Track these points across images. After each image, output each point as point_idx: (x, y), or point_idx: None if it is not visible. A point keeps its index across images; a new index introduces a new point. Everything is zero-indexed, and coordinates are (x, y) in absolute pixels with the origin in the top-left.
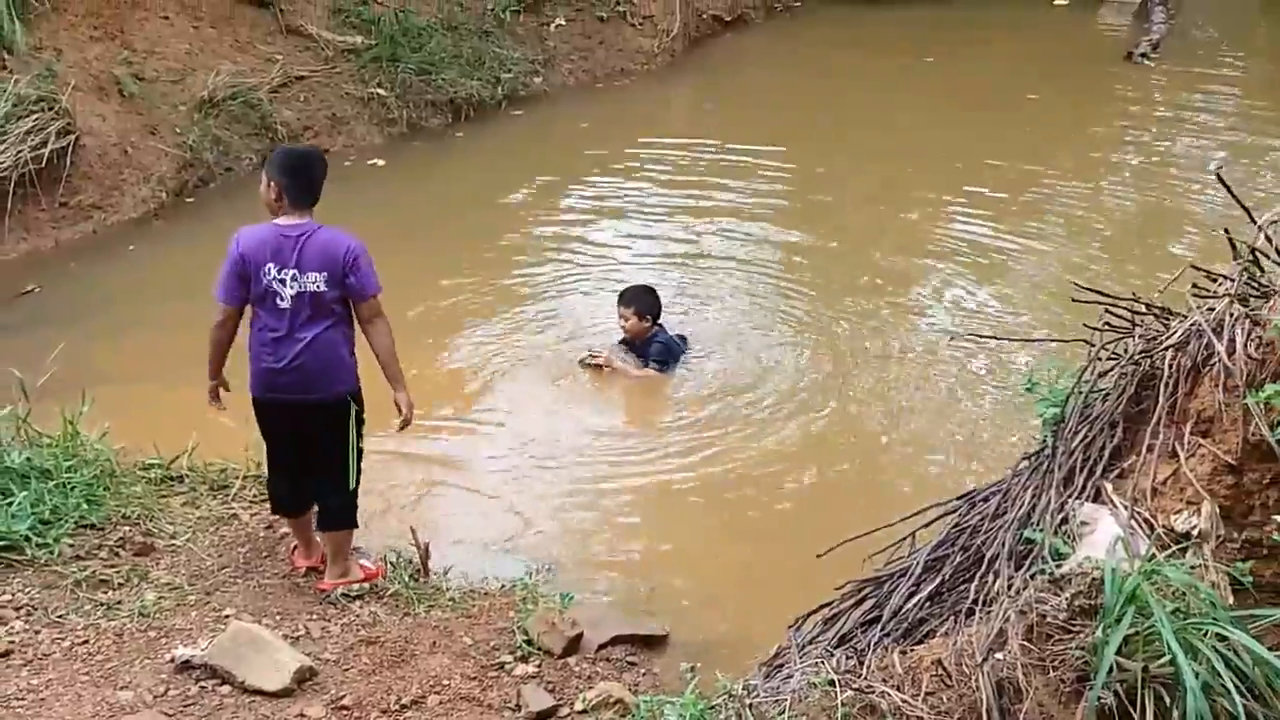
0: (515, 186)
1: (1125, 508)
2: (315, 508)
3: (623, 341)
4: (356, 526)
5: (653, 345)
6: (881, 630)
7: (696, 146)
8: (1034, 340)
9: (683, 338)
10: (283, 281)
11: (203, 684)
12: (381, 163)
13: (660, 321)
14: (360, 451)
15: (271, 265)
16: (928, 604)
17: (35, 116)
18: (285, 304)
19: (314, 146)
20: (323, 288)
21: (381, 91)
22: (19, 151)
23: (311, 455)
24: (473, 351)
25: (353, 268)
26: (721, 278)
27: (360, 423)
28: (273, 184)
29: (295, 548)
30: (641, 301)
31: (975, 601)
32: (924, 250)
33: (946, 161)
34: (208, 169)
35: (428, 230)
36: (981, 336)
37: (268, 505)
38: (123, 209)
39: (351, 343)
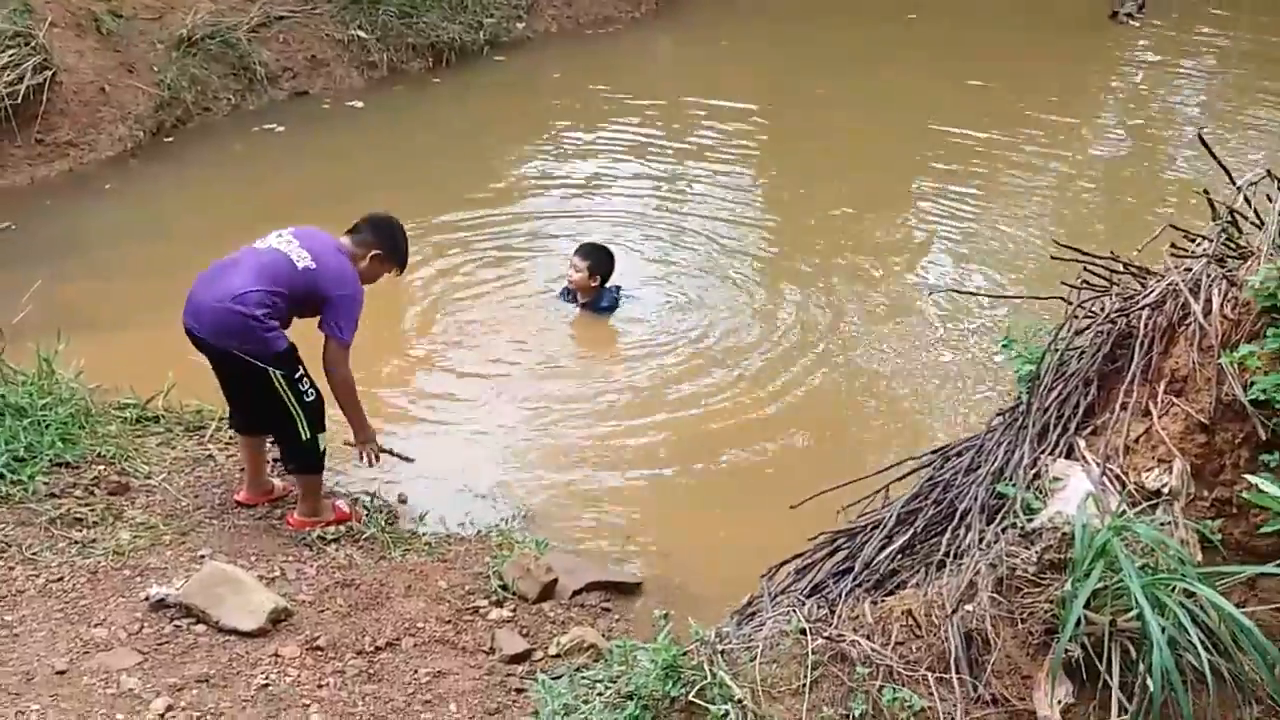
0: (494, 133)
1: (1097, 464)
2: (268, 436)
3: (565, 290)
4: (319, 471)
5: (605, 299)
6: (853, 581)
7: (678, 97)
8: (1012, 297)
9: (618, 288)
10: (279, 234)
11: (177, 623)
12: (360, 105)
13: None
14: (308, 405)
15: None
16: (900, 556)
17: (11, 52)
18: (256, 243)
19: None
20: (297, 263)
21: (362, 34)
22: None
23: (252, 402)
24: (447, 298)
25: (337, 298)
26: (698, 233)
27: (296, 381)
28: None
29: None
30: (599, 261)
31: (946, 554)
32: (902, 208)
33: (927, 120)
34: (185, 109)
35: (404, 174)
36: (959, 291)
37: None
38: (99, 147)
39: (278, 327)
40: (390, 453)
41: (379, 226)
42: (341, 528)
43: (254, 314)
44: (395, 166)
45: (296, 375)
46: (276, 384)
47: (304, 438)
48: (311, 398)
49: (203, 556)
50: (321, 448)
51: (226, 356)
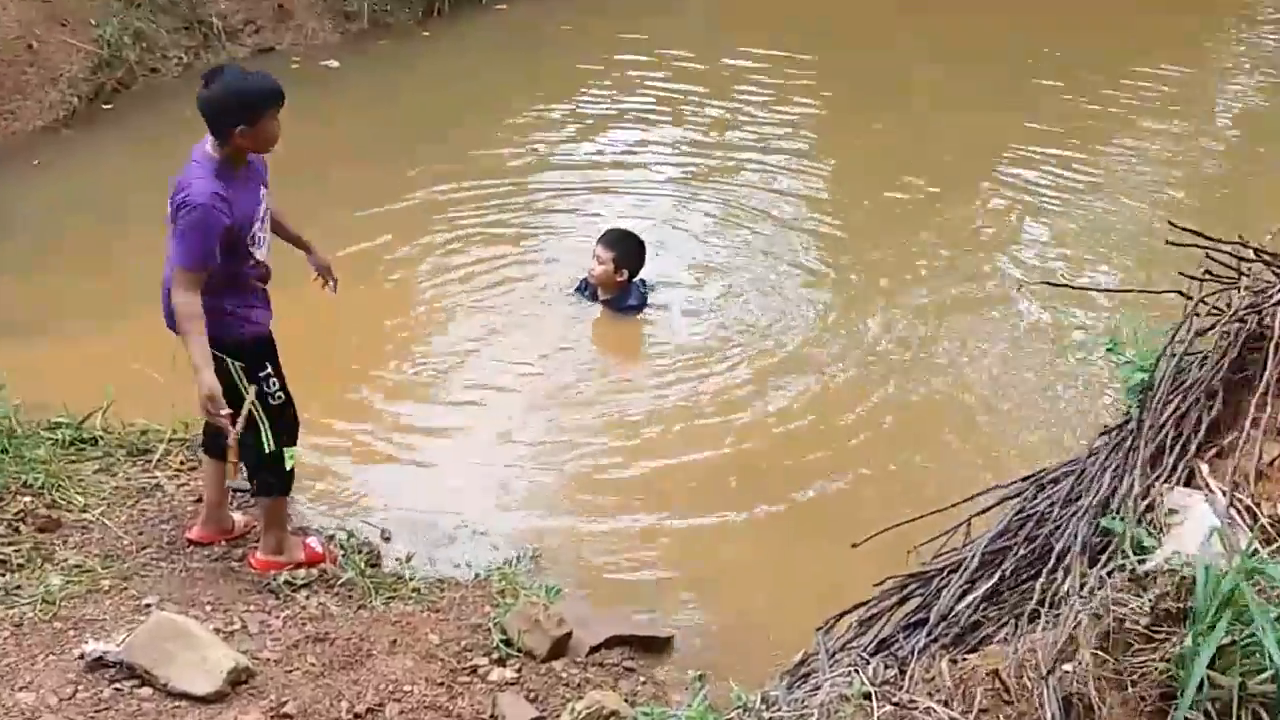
0: (495, 95)
1: (1223, 493)
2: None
3: (583, 284)
4: (279, 495)
5: (631, 296)
6: (928, 635)
7: (717, 48)
8: (1119, 290)
9: (643, 282)
10: None
11: (118, 685)
12: (336, 64)
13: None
14: (273, 410)
15: None
16: (984, 605)
17: None
18: None
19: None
20: (170, 219)
21: None
22: None
23: None
24: (442, 296)
25: (175, 217)
26: (741, 215)
27: (256, 379)
28: None
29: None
30: (626, 251)
31: (1041, 602)
32: (988, 183)
33: (1020, 82)
34: (128, 69)
35: (388, 145)
36: (1056, 284)
37: (195, 471)
38: (25, 116)
39: (221, 292)
40: (231, 435)
41: (214, 99)
42: (313, 570)
43: None
44: (377, 136)
45: (262, 372)
46: (235, 377)
47: (267, 449)
48: (279, 401)
49: (148, 606)
50: (288, 465)
51: None
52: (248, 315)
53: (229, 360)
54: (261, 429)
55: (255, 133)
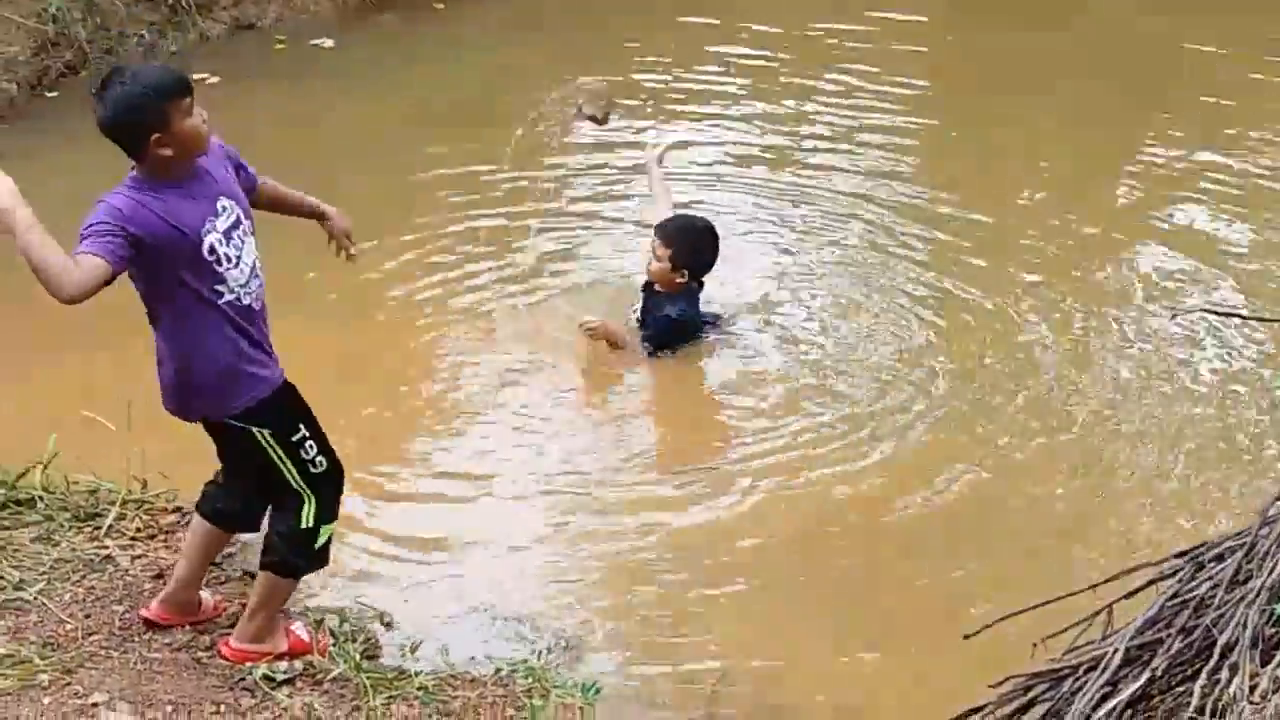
0: (522, 84)
1: None
2: (244, 531)
3: (647, 286)
4: (298, 575)
5: (673, 307)
6: None
7: (793, 23)
8: None
9: (716, 317)
10: None
11: None
12: (330, 43)
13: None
14: (315, 479)
15: None
16: (1129, 712)
17: None
18: None
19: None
20: None
21: None
22: None
23: (243, 480)
24: (459, 325)
25: None
26: (822, 227)
27: (295, 444)
28: None
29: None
30: (682, 245)
31: (1200, 709)
32: (1138, 191)
33: (1185, 65)
34: (79, 50)
35: (393, 145)
36: (1219, 313)
37: (155, 540)
38: None
39: (208, 349)
40: None
41: (111, 118)
42: (297, 663)
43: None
44: (381, 134)
45: (295, 437)
46: (269, 451)
47: (304, 525)
48: (322, 468)
49: (96, 705)
50: (319, 542)
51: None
52: (258, 363)
53: (255, 430)
54: (306, 504)
55: (174, 137)
